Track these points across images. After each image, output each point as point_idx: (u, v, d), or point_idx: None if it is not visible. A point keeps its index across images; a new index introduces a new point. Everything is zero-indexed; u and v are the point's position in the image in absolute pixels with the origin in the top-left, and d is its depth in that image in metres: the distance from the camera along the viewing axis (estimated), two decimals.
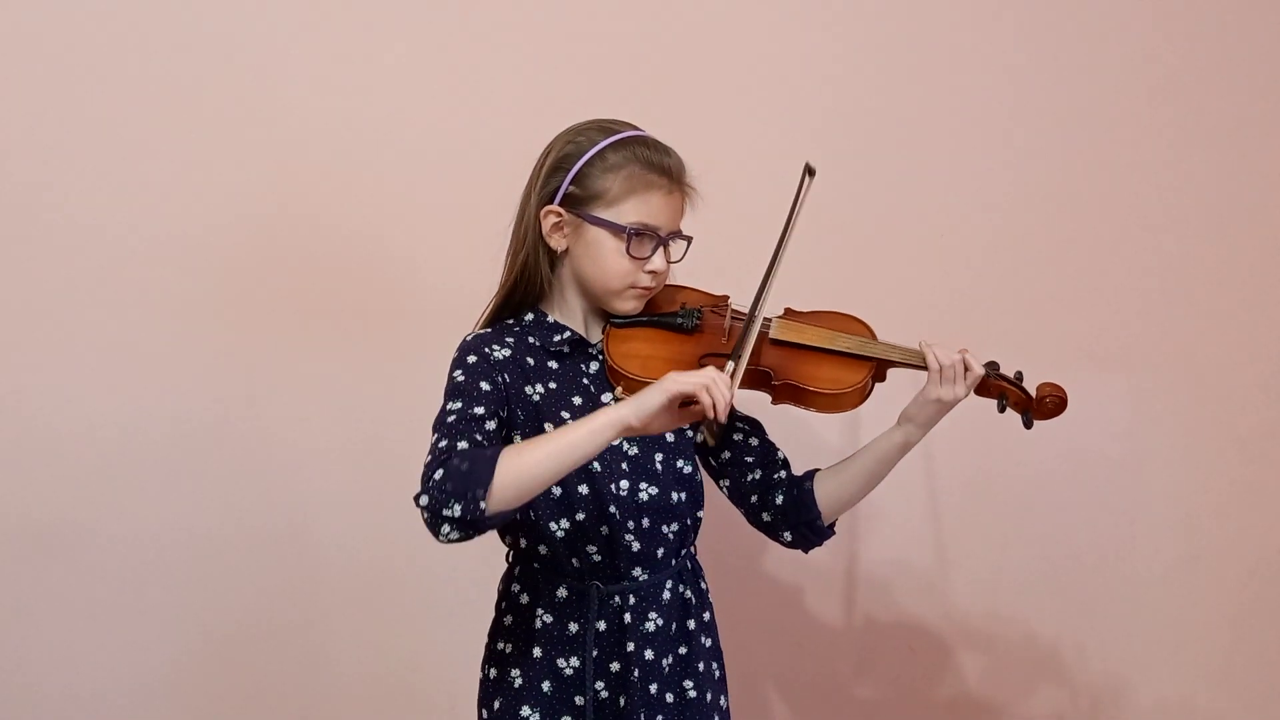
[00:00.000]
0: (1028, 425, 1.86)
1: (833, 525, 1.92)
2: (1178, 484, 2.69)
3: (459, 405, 1.70)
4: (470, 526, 1.57)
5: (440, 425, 1.68)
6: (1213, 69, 2.59)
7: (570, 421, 1.68)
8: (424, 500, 1.58)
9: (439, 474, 1.58)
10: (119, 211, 2.34)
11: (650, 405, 1.57)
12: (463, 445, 1.63)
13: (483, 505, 1.55)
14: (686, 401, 1.59)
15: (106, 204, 2.33)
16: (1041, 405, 1.84)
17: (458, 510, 1.55)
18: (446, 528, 1.57)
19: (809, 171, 1.77)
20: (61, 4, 2.28)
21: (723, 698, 1.92)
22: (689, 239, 1.82)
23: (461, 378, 1.74)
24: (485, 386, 1.73)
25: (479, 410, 1.70)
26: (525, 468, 1.58)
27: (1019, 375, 1.86)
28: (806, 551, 1.95)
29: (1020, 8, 2.54)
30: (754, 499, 1.92)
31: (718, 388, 1.57)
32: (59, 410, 2.36)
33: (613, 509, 1.77)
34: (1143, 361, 2.64)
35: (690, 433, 1.87)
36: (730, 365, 1.66)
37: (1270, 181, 2.63)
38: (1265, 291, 2.66)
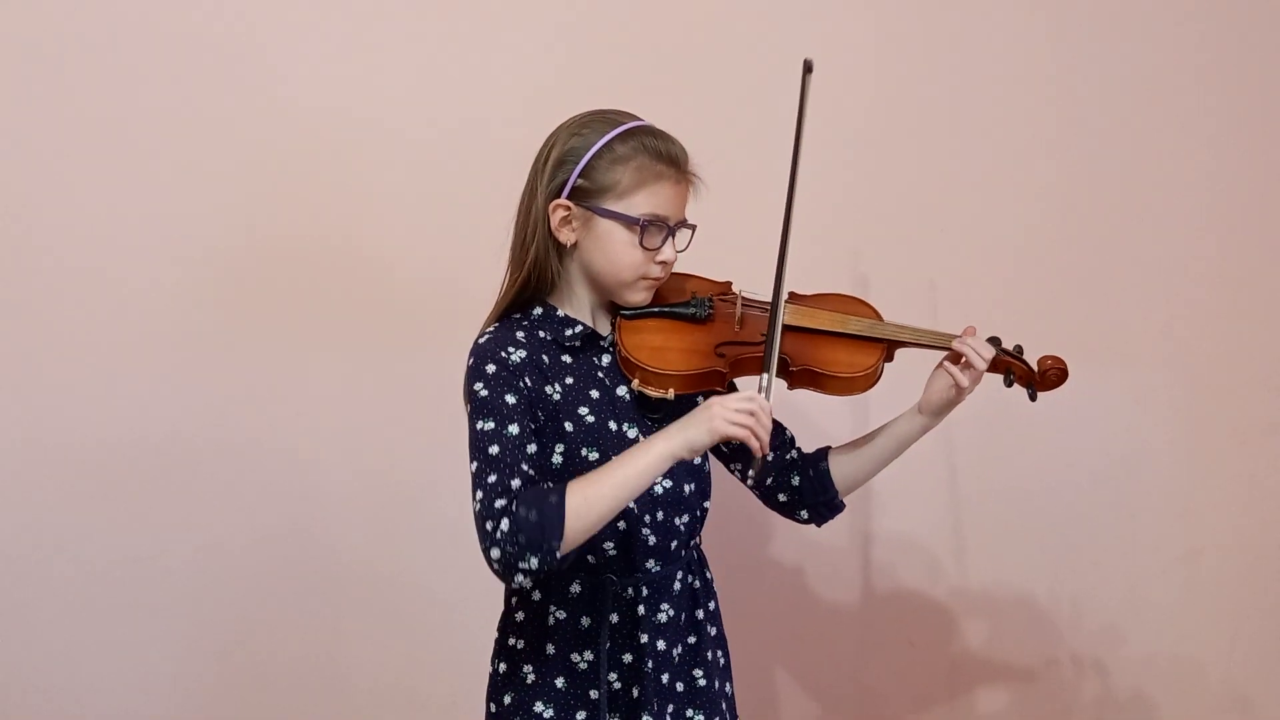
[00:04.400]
0: (1032, 398, 1.89)
1: (843, 499, 1.93)
2: (1178, 479, 2.70)
3: (491, 425, 1.69)
4: (548, 575, 1.64)
5: (481, 452, 1.68)
6: (1213, 68, 2.62)
7: (614, 449, 1.74)
8: (495, 554, 1.62)
9: (506, 525, 1.61)
10: (119, 213, 2.34)
11: (699, 445, 1.65)
12: (515, 483, 1.66)
13: (558, 555, 1.62)
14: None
15: (106, 206, 2.34)
16: (1045, 378, 1.87)
17: (534, 563, 1.61)
18: (520, 577, 1.63)
19: (807, 69, 1.76)
20: (60, 5, 2.29)
21: (728, 685, 1.92)
22: (694, 226, 1.82)
23: (485, 392, 1.71)
24: (511, 400, 1.71)
25: (514, 430, 1.69)
26: (592, 509, 1.63)
27: (1019, 348, 1.89)
28: (819, 525, 1.96)
29: (1022, 5, 2.57)
30: (769, 480, 1.92)
31: (763, 423, 1.63)
32: (62, 411, 2.36)
33: (630, 504, 1.75)
34: (1143, 358, 2.65)
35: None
36: (764, 379, 1.68)
37: (1271, 177, 2.65)
38: (1266, 288, 2.68)
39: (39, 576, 2.39)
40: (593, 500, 1.63)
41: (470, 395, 1.73)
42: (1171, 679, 2.73)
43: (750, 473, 1.66)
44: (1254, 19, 2.62)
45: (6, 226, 2.32)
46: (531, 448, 1.70)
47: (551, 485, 1.66)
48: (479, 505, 1.65)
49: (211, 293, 2.38)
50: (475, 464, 1.68)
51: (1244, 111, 2.64)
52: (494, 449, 1.68)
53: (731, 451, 1.94)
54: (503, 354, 1.74)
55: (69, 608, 2.40)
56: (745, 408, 1.63)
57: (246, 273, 2.39)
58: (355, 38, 2.39)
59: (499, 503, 1.64)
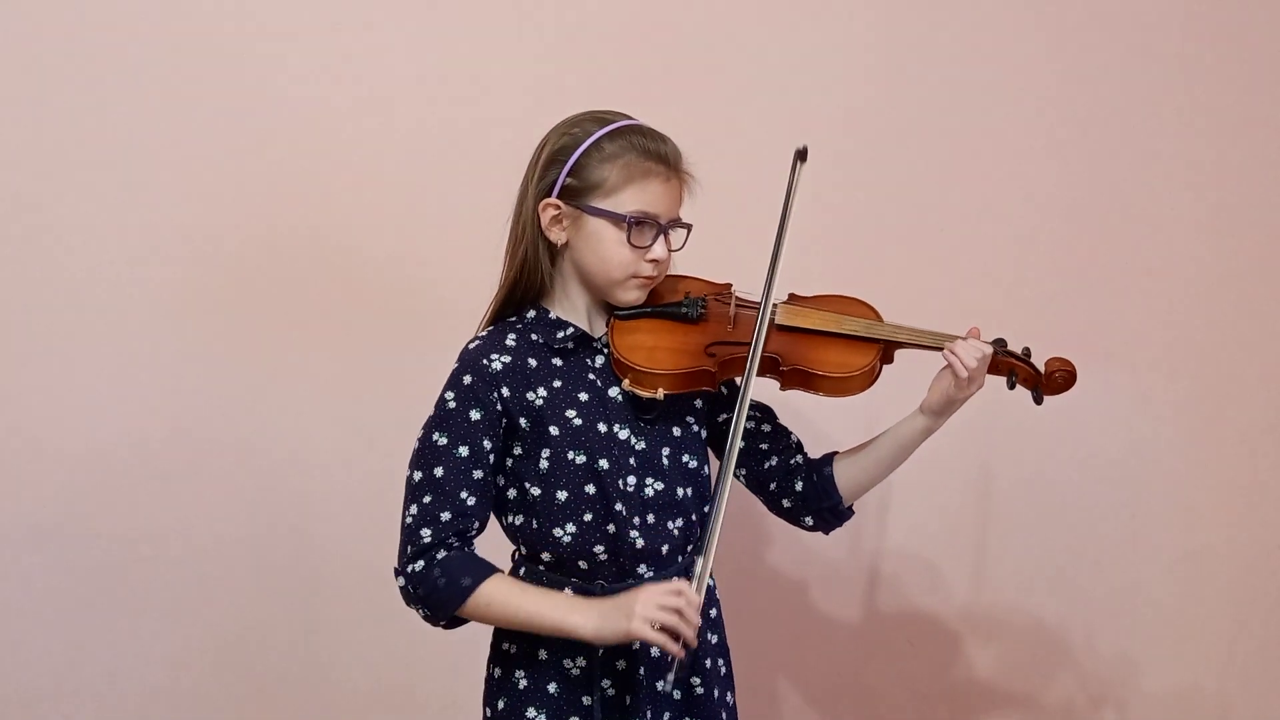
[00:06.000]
0: (1038, 401, 1.85)
1: (851, 506, 1.92)
2: (1179, 479, 2.69)
3: (444, 442, 1.72)
4: (434, 625, 1.75)
5: (426, 467, 1.72)
6: (1213, 69, 2.61)
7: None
8: (400, 583, 1.72)
9: (420, 568, 1.70)
10: (116, 212, 2.33)
11: (610, 638, 1.67)
12: (446, 515, 1.70)
13: (440, 624, 1.74)
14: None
15: (103, 205, 2.33)
16: (1051, 380, 1.83)
17: (420, 615, 1.74)
18: (413, 612, 1.75)
19: (800, 156, 1.76)
20: (60, 4, 2.28)
21: (729, 694, 1.90)
22: (688, 226, 1.81)
23: (453, 404, 1.74)
24: (475, 416, 1.73)
25: (463, 452, 1.72)
26: (489, 615, 1.72)
27: (1026, 351, 1.86)
28: (827, 533, 1.95)
29: (1029, 4, 2.56)
30: (773, 486, 1.91)
31: (688, 619, 1.62)
32: (60, 411, 2.35)
33: (619, 506, 1.76)
34: (1145, 358, 2.64)
35: (695, 426, 1.87)
36: (699, 564, 1.67)
37: (1271, 177, 2.64)
38: (1267, 288, 2.67)
39: (36, 579, 2.38)
40: (495, 610, 1.71)
41: (439, 400, 1.76)
42: (1171, 679, 2.72)
43: (668, 677, 1.66)
44: (1254, 20, 2.61)
45: (8, 227, 2.31)
46: (477, 473, 1.73)
47: (478, 562, 1.72)
48: (409, 521, 1.72)
49: (207, 294, 2.37)
50: (419, 475, 1.73)
51: (1245, 111, 2.63)
52: (439, 470, 1.72)
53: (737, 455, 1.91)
54: (484, 362, 1.76)
55: (67, 608, 2.39)
56: (670, 604, 1.63)
57: (243, 273, 2.38)
58: (352, 38, 2.38)
59: (424, 532, 1.70)
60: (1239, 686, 2.74)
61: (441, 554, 1.69)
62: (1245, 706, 2.74)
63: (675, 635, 1.62)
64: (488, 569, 1.71)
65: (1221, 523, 2.70)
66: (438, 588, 1.68)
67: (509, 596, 1.70)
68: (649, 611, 1.62)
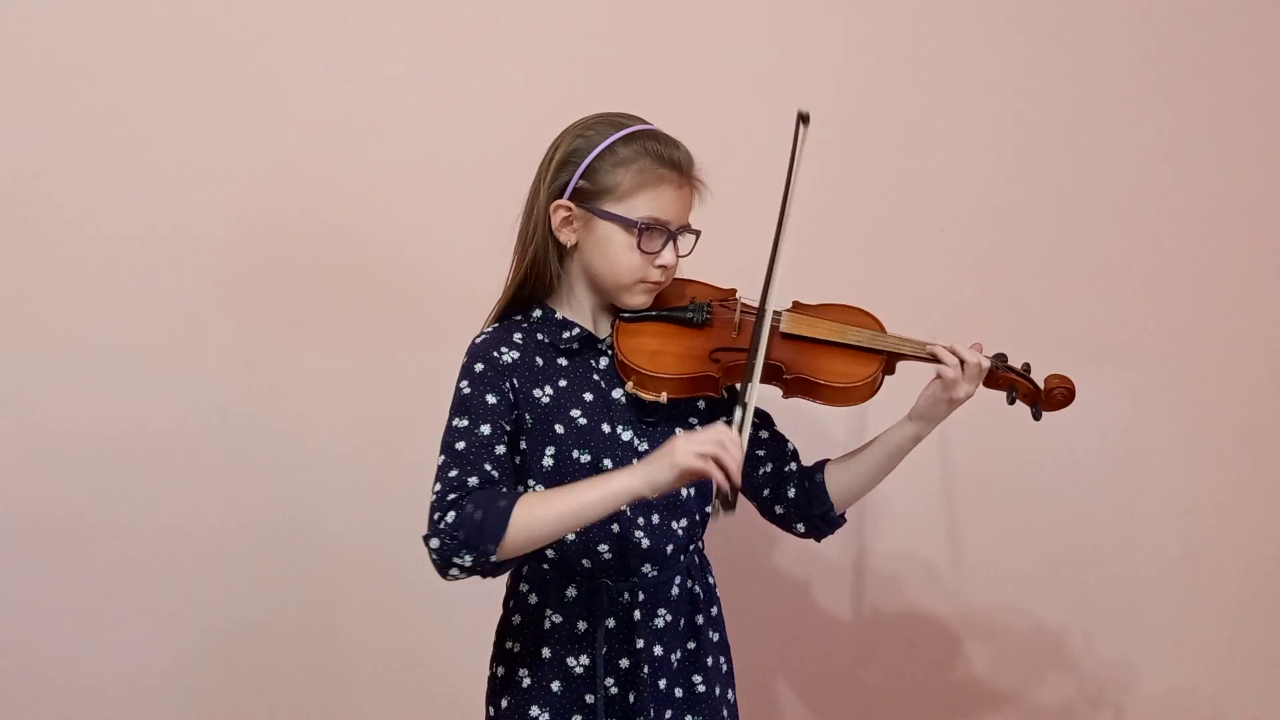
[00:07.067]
0: (1037, 417, 1.86)
1: (843, 514, 1.92)
2: (1178, 479, 2.69)
3: (465, 423, 1.71)
4: (480, 574, 1.65)
5: (448, 448, 1.71)
6: (1212, 66, 2.60)
7: (586, 461, 1.74)
8: (434, 544, 1.64)
9: (452, 518, 1.63)
10: (121, 209, 2.33)
11: (662, 481, 1.62)
12: (473, 480, 1.67)
13: (493, 558, 1.62)
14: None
15: (108, 201, 2.32)
16: (1050, 397, 1.84)
17: (468, 560, 1.62)
18: (455, 572, 1.65)
19: (803, 119, 1.74)
20: (61, 3, 2.28)
21: (730, 691, 1.92)
22: (697, 232, 1.81)
23: (468, 389, 1.74)
24: (491, 400, 1.73)
25: (485, 430, 1.71)
26: (537, 525, 1.63)
27: (1026, 367, 1.87)
28: (819, 540, 1.95)
29: (1023, 6, 2.55)
30: (766, 492, 1.92)
31: (730, 455, 1.59)
32: (62, 407, 2.35)
33: (624, 507, 1.75)
34: (1143, 357, 2.64)
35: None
36: (738, 414, 1.64)
37: (1270, 177, 2.64)
38: (1265, 287, 2.67)
39: (39, 574, 2.38)
40: (539, 518, 1.63)
41: (455, 391, 1.75)
42: (1169, 679, 2.72)
43: (712, 507, 1.63)
44: (1245, 19, 2.61)
45: (12, 223, 2.31)
46: (500, 449, 1.71)
47: (507, 491, 1.67)
48: (434, 496, 1.67)
49: (214, 290, 2.37)
50: (442, 458, 1.70)
51: (1244, 110, 2.62)
52: (460, 444, 1.70)
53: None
54: (494, 354, 1.76)
55: (69, 606, 2.40)
56: (712, 438, 1.60)
57: (249, 268, 2.38)
58: (359, 35, 2.38)
59: (451, 496, 1.66)
60: (1236, 687, 2.75)
61: (466, 500, 1.65)
62: (1243, 707, 2.75)
63: (721, 468, 1.59)
64: (518, 493, 1.66)
65: (1221, 523, 2.71)
66: (475, 521, 1.61)
67: (549, 503, 1.64)
68: (693, 446, 1.59)
